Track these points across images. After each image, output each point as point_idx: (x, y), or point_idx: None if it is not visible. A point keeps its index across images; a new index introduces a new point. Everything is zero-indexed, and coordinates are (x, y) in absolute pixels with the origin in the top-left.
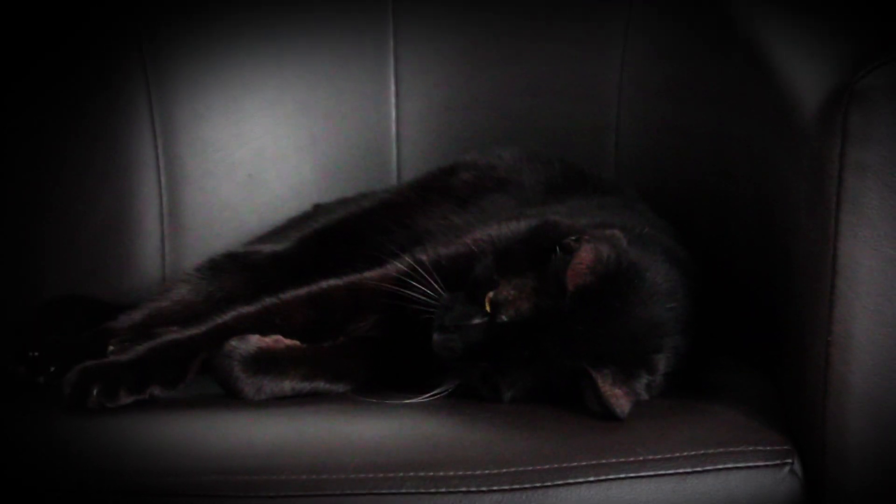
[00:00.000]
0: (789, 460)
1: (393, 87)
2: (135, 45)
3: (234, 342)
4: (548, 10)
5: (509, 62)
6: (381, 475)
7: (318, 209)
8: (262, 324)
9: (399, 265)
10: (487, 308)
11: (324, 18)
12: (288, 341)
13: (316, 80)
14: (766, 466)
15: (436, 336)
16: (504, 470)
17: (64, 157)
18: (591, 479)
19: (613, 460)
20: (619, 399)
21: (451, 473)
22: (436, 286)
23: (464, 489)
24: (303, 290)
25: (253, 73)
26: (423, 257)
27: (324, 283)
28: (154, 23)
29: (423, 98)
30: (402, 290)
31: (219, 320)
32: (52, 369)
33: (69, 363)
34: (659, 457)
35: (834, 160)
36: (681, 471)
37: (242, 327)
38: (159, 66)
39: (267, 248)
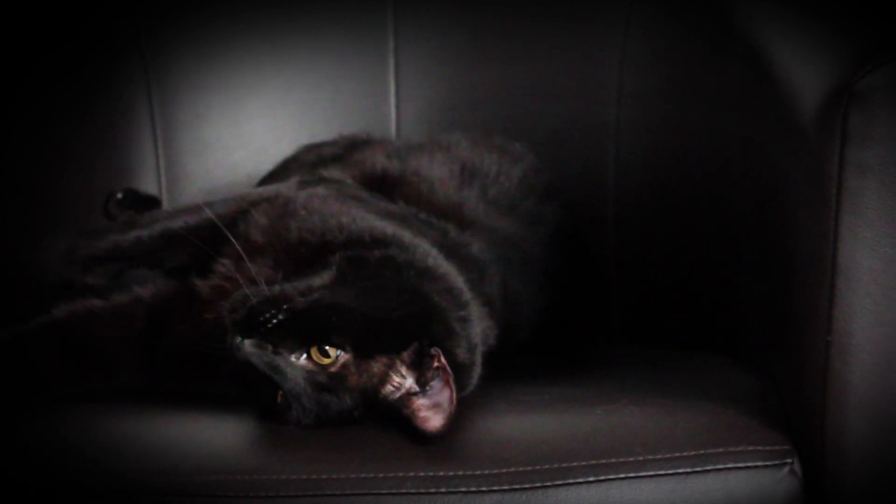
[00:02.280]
0: (789, 460)
1: (393, 87)
2: (135, 45)
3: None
4: (548, 10)
5: (509, 62)
6: (381, 475)
7: None
8: None
9: None
10: None
11: (324, 18)
12: None
13: (316, 80)
14: (766, 466)
15: None
16: (504, 470)
17: (64, 157)
18: (591, 479)
19: (613, 460)
20: None
21: (451, 473)
22: None
23: (464, 489)
24: None
25: (253, 74)
26: None
27: None
28: (154, 23)
29: (423, 98)
30: None
31: None
32: None
33: None
34: (659, 457)
35: (833, 160)
36: (680, 471)
37: None
38: (159, 66)
39: None
